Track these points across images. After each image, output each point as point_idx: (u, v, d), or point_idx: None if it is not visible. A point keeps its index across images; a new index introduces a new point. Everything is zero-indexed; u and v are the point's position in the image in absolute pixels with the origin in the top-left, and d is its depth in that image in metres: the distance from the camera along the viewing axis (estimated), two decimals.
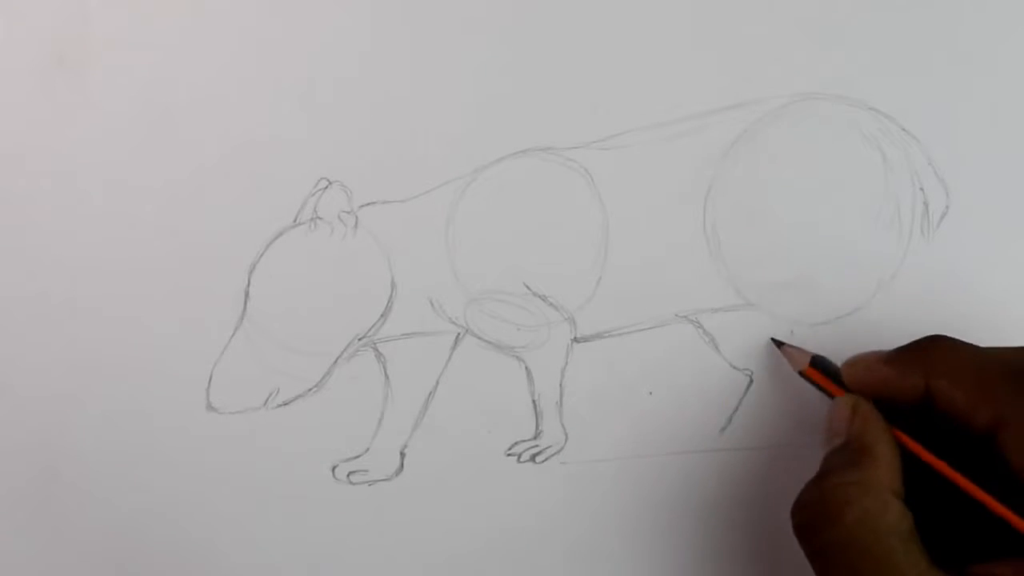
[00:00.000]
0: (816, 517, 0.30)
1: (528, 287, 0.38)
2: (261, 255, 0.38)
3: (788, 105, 0.38)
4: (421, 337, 0.38)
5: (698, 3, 0.38)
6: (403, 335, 0.38)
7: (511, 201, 0.38)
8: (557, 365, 0.38)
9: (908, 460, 0.31)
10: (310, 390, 0.38)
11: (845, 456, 0.31)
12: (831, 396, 0.34)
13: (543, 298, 0.38)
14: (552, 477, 0.38)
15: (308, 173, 0.38)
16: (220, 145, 0.38)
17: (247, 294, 0.38)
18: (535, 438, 0.38)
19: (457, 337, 0.38)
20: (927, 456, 0.31)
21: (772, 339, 0.37)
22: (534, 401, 0.38)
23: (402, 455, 0.38)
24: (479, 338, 0.38)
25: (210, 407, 0.38)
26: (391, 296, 0.38)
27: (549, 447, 0.38)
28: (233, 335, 0.38)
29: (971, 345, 0.32)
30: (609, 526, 0.38)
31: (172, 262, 0.38)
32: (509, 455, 0.38)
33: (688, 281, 0.38)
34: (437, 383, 0.38)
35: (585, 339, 0.38)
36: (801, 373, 0.36)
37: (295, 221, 0.38)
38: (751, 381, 0.38)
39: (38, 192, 0.38)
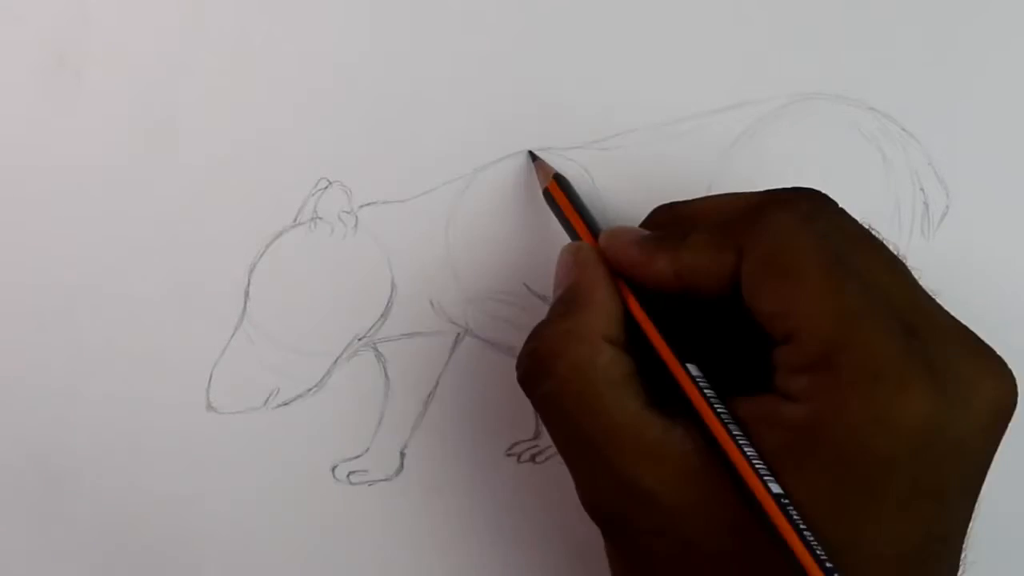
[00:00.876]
0: (532, 369, 0.30)
1: (528, 287, 0.38)
2: (261, 255, 0.38)
3: (788, 105, 0.38)
4: (421, 337, 0.38)
5: (698, 3, 0.38)
6: (403, 335, 0.38)
7: (511, 201, 0.38)
8: None
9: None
10: (310, 390, 0.38)
11: (562, 304, 0.31)
12: (571, 236, 0.34)
13: (543, 298, 0.38)
14: (552, 477, 0.38)
15: (308, 173, 0.38)
16: (220, 145, 0.38)
17: (247, 294, 0.38)
18: (535, 438, 0.38)
19: (457, 337, 0.38)
20: (634, 307, 0.30)
21: (529, 152, 0.37)
22: None
23: (402, 455, 0.38)
24: (479, 338, 0.38)
25: (210, 407, 0.38)
26: (391, 296, 0.38)
27: (549, 447, 0.38)
28: (233, 335, 0.38)
29: (699, 200, 0.32)
30: None
31: (172, 262, 0.38)
32: (509, 455, 0.38)
33: None
34: (437, 383, 0.38)
35: None
36: (545, 192, 0.35)
37: (295, 221, 0.38)
38: None
39: (38, 192, 0.38)
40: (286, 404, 0.38)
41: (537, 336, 0.31)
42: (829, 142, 0.38)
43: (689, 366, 0.29)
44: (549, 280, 0.38)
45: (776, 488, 0.26)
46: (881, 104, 0.38)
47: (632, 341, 0.30)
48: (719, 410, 0.28)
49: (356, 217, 0.38)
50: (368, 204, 0.38)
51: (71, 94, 0.38)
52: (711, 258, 0.29)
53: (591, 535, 0.38)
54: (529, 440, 0.38)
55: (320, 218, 0.38)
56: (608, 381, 0.29)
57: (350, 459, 0.38)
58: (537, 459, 0.38)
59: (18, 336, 0.38)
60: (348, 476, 0.38)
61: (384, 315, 0.38)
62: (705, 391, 0.29)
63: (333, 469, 0.38)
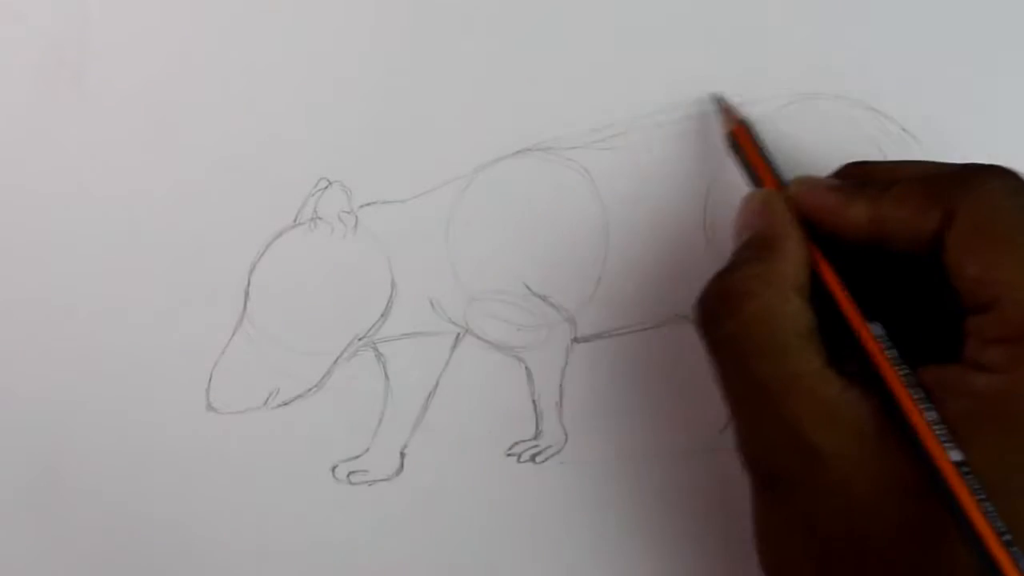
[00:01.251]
0: (716, 309, 0.30)
1: (528, 287, 0.38)
2: (261, 255, 0.38)
3: (788, 105, 0.38)
4: (421, 337, 0.38)
5: (698, 3, 0.38)
6: (403, 335, 0.38)
7: (511, 201, 0.38)
8: (557, 365, 0.38)
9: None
10: (310, 390, 0.38)
11: (751, 249, 0.31)
12: (753, 182, 0.33)
13: (543, 298, 0.38)
14: (552, 477, 0.38)
15: (308, 173, 0.38)
16: (220, 145, 0.38)
17: (247, 294, 0.38)
18: (535, 438, 0.38)
19: (457, 337, 0.38)
20: (821, 264, 0.30)
21: (712, 94, 0.36)
22: (534, 401, 0.38)
23: (402, 455, 0.38)
24: (479, 338, 0.38)
25: (210, 407, 0.38)
26: (391, 296, 0.38)
27: (549, 447, 0.38)
28: (233, 335, 0.38)
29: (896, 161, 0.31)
30: (609, 526, 0.38)
31: (172, 262, 0.38)
32: (509, 455, 0.38)
33: (688, 281, 0.38)
34: (437, 383, 0.38)
35: (585, 339, 0.38)
36: (730, 136, 0.35)
37: (295, 221, 0.38)
38: None
39: (38, 192, 0.38)
40: (286, 404, 0.38)
41: (724, 277, 0.30)
42: (829, 142, 0.38)
43: (872, 325, 0.29)
44: (549, 280, 0.38)
45: (957, 455, 0.26)
46: (881, 104, 0.38)
47: (814, 297, 0.30)
48: (901, 372, 0.28)
49: (356, 217, 0.38)
50: (368, 204, 0.38)
51: (71, 94, 0.38)
52: (915, 211, 0.29)
53: (590, 535, 0.38)
54: (529, 440, 0.38)
55: (320, 218, 0.38)
56: (794, 331, 0.29)
57: (350, 459, 0.38)
58: (537, 459, 0.38)
59: (18, 337, 0.38)
60: (348, 476, 0.38)
61: (384, 315, 0.38)
62: (887, 351, 0.28)
63: (333, 469, 0.38)
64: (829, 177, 0.33)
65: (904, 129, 0.38)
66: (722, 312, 0.30)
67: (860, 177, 0.32)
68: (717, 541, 0.38)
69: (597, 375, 0.38)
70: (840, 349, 0.29)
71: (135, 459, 0.38)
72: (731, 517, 0.38)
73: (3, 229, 0.38)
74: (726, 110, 0.36)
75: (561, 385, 0.38)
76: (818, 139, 0.38)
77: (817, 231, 0.31)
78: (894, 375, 0.28)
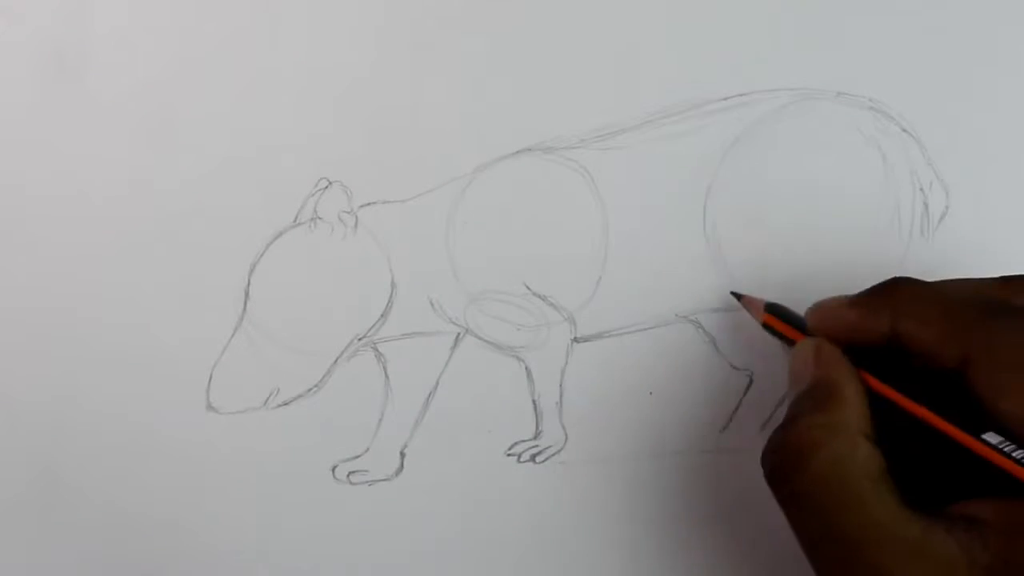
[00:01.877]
0: (785, 463, 0.30)
1: (528, 287, 0.38)
2: (261, 255, 0.38)
3: (788, 105, 0.38)
4: (421, 337, 0.38)
5: (698, 3, 0.38)
6: (403, 335, 0.38)
7: (511, 201, 0.38)
8: (557, 365, 0.38)
9: (877, 404, 0.30)
10: (310, 390, 0.38)
11: (811, 399, 0.30)
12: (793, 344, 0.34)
13: (543, 298, 0.38)
14: (552, 477, 0.38)
15: (308, 173, 0.38)
16: (220, 145, 0.38)
17: (247, 294, 0.38)
18: (535, 438, 0.38)
19: (457, 337, 0.38)
20: (896, 395, 0.30)
21: (732, 292, 0.37)
22: (534, 401, 0.38)
23: (402, 455, 0.38)
24: (479, 338, 0.38)
25: (210, 407, 0.38)
26: (391, 296, 0.38)
27: (549, 447, 0.38)
28: (233, 335, 0.38)
29: (935, 283, 0.31)
30: (609, 526, 0.38)
31: (172, 262, 0.38)
32: (509, 455, 0.38)
33: (688, 281, 0.38)
34: (437, 383, 0.38)
35: (585, 339, 0.38)
36: (764, 324, 0.35)
37: (295, 221, 0.38)
38: (751, 381, 0.38)
39: (37, 193, 0.38)
40: (286, 404, 0.38)
41: (786, 430, 0.30)
42: (829, 142, 0.38)
43: (987, 436, 0.28)
44: (549, 280, 0.38)
45: None
46: (881, 104, 0.38)
47: (881, 437, 0.30)
48: None
49: (356, 217, 0.38)
50: (368, 204, 0.38)
51: (71, 94, 0.38)
52: (936, 341, 0.29)
53: (590, 535, 0.38)
54: (529, 440, 0.38)
55: (320, 218, 0.38)
56: (868, 476, 0.28)
57: (350, 459, 0.38)
58: (537, 459, 0.38)
59: (19, 337, 0.38)
60: (348, 476, 0.38)
61: (384, 315, 0.38)
62: (1015, 456, 0.28)
63: (333, 469, 0.38)
64: (843, 296, 0.33)
65: (904, 129, 0.38)
66: (789, 467, 0.29)
67: (887, 293, 0.32)
68: (717, 541, 0.38)
69: (597, 375, 0.38)
70: (915, 490, 0.29)
71: (135, 459, 0.38)
72: (731, 517, 0.38)
73: (3, 229, 0.38)
74: (749, 303, 0.36)
75: (561, 385, 0.38)
76: (818, 139, 0.38)
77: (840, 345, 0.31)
78: None
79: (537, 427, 0.38)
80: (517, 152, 0.38)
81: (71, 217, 0.38)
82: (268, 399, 0.38)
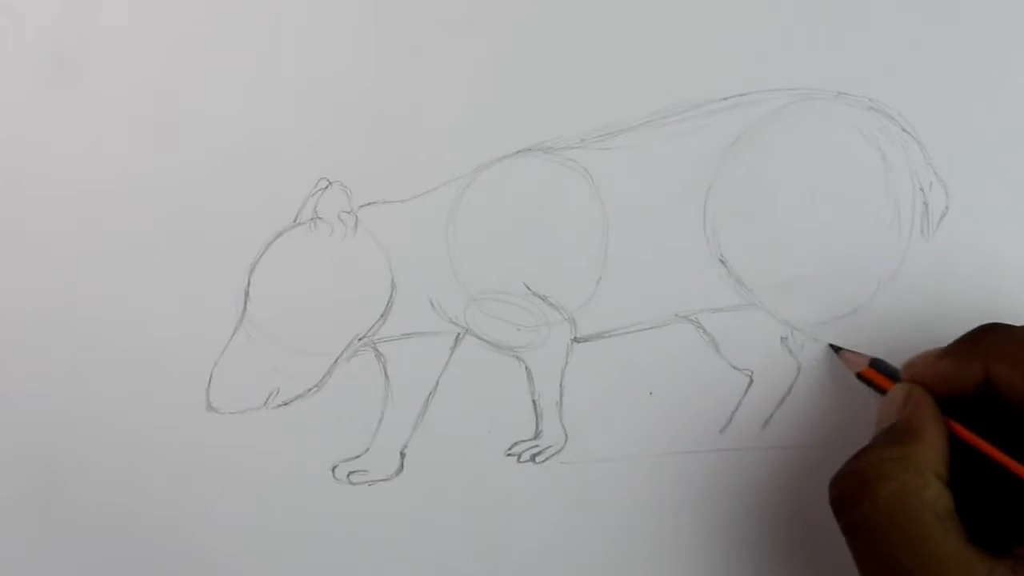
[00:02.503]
0: (853, 490, 0.30)
1: (528, 287, 0.38)
2: (261, 255, 0.38)
3: (788, 105, 0.38)
4: (421, 337, 0.38)
5: (698, 3, 0.38)
6: (403, 335, 0.38)
7: (511, 201, 0.38)
8: (557, 365, 0.38)
9: (962, 451, 0.31)
10: (310, 390, 0.38)
11: (890, 435, 0.31)
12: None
13: (543, 298, 0.38)
14: (552, 477, 0.38)
15: (308, 173, 0.38)
16: (220, 145, 0.38)
17: (247, 294, 0.38)
18: (535, 438, 0.38)
19: (457, 337, 0.38)
20: (978, 440, 0.31)
21: (830, 344, 0.37)
22: (534, 401, 0.38)
23: (402, 455, 0.38)
24: (479, 338, 0.38)
25: (210, 407, 0.38)
26: (391, 296, 0.38)
27: (549, 447, 0.38)
28: (233, 335, 0.38)
29: None
30: (609, 526, 0.38)
31: (172, 262, 0.38)
32: (509, 455, 0.38)
33: (688, 281, 0.38)
34: (437, 383, 0.38)
35: (585, 339, 0.38)
36: (859, 375, 0.36)
37: (295, 221, 0.38)
38: (751, 381, 0.38)
39: (37, 192, 0.38)
40: (286, 404, 0.38)
41: (859, 459, 0.30)
42: (829, 142, 0.38)
43: None
44: (549, 280, 0.38)
45: None
46: (881, 104, 0.38)
47: (954, 482, 0.30)
48: None
49: (356, 217, 0.38)
50: (368, 204, 0.38)
51: (71, 94, 0.38)
52: None
53: (590, 535, 0.38)
54: (529, 440, 0.38)
55: (320, 218, 0.38)
56: (934, 513, 0.29)
57: (350, 459, 0.38)
58: (537, 459, 0.38)
59: (19, 337, 0.38)
60: (348, 476, 0.38)
61: (384, 315, 0.38)
62: None
63: (333, 469, 0.38)
64: (936, 348, 0.33)
65: (904, 129, 0.38)
66: (857, 494, 0.30)
67: (978, 339, 0.32)
68: (717, 540, 0.38)
69: (597, 375, 0.38)
70: (990, 537, 0.29)
71: (135, 458, 0.38)
72: (731, 516, 0.38)
73: (3, 228, 0.38)
74: (848, 358, 0.37)
75: (561, 385, 0.38)
76: (818, 139, 0.38)
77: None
78: None
79: (537, 427, 0.38)
80: (517, 152, 0.38)
81: (71, 217, 0.38)
82: (268, 399, 0.38)
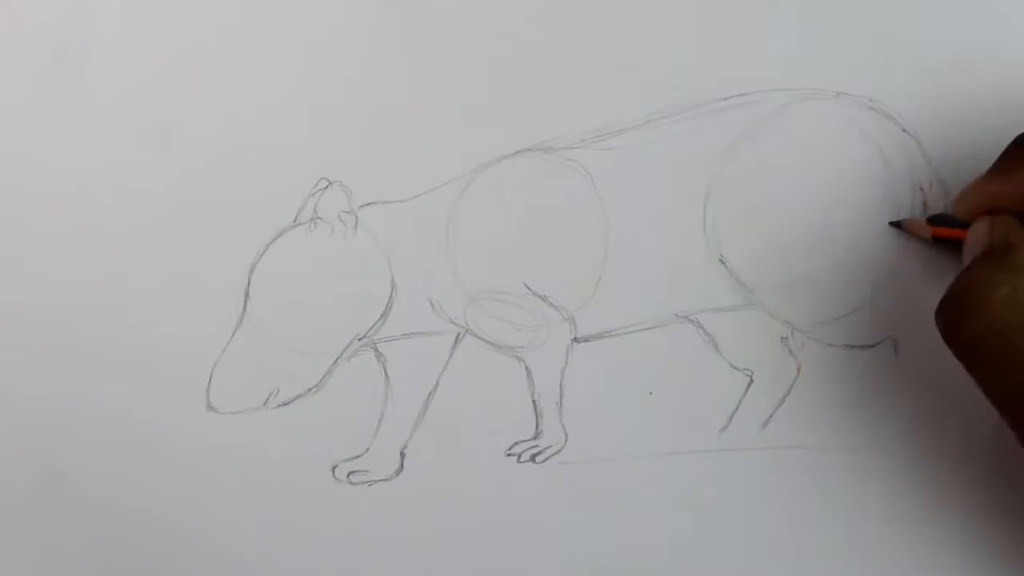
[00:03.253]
0: (965, 306, 0.29)
1: (528, 287, 0.38)
2: (261, 255, 0.38)
3: (788, 105, 0.38)
4: (421, 337, 0.38)
5: (698, 3, 0.38)
6: (403, 335, 0.38)
7: (511, 201, 0.38)
8: (557, 365, 0.38)
9: None
10: (310, 390, 0.38)
11: (989, 254, 0.29)
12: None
13: (543, 298, 0.38)
14: (552, 477, 0.38)
15: (308, 173, 0.38)
16: (220, 145, 0.38)
17: (247, 294, 0.38)
18: (535, 438, 0.38)
19: (457, 337, 0.38)
20: None
21: (890, 222, 0.37)
22: (534, 401, 0.38)
23: (402, 455, 0.38)
24: (479, 338, 0.38)
25: (210, 407, 0.38)
26: (391, 296, 0.38)
27: (549, 447, 0.38)
28: (233, 335, 0.38)
29: None
30: (609, 526, 0.38)
31: (172, 262, 0.38)
32: (509, 455, 0.38)
33: (688, 281, 0.38)
34: (437, 383, 0.38)
35: (585, 339, 0.38)
36: (935, 238, 0.35)
37: (295, 221, 0.38)
38: (751, 381, 0.38)
39: (38, 192, 0.38)
40: (286, 404, 0.38)
41: (964, 279, 0.29)
42: (829, 142, 0.38)
43: None
44: (549, 280, 0.38)
45: None
46: (881, 104, 0.38)
47: None
48: None
49: (356, 217, 0.38)
50: (368, 204, 0.38)
51: (71, 94, 0.38)
52: None
53: (590, 535, 0.38)
54: (529, 440, 0.38)
55: (320, 218, 0.38)
56: None
57: (350, 459, 0.38)
58: (537, 459, 0.38)
59: (18, 337, 0.38)
60: (348, 476, 0.38)
61: (384, 315, 0.38)
62: None
63: (333, 469, 0.38)
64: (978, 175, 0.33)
65: (904, 129, 0.38)
66: (968, 309, 0.28)
67: (1016, 153, 0.32)
68: (717, 541, 0.38)
69: (597, 375, 0.38)
70: None
71: (135, 458, 0.38)
72: (731, 516, 0.38)
73: (3, 228, 0.38)
74: (915, 225, 0.36)
75: (561, 385, 0.38)
76: (818, 139, 0.38)
77: None
78: None
79: (537, 427, 0.38)
80: (517, 152, 0.38)
81: (71, 217, 0.38)
82: (268, 399, 0.38)
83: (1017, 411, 0.28)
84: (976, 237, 0.32)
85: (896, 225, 0.37)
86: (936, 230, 0.35)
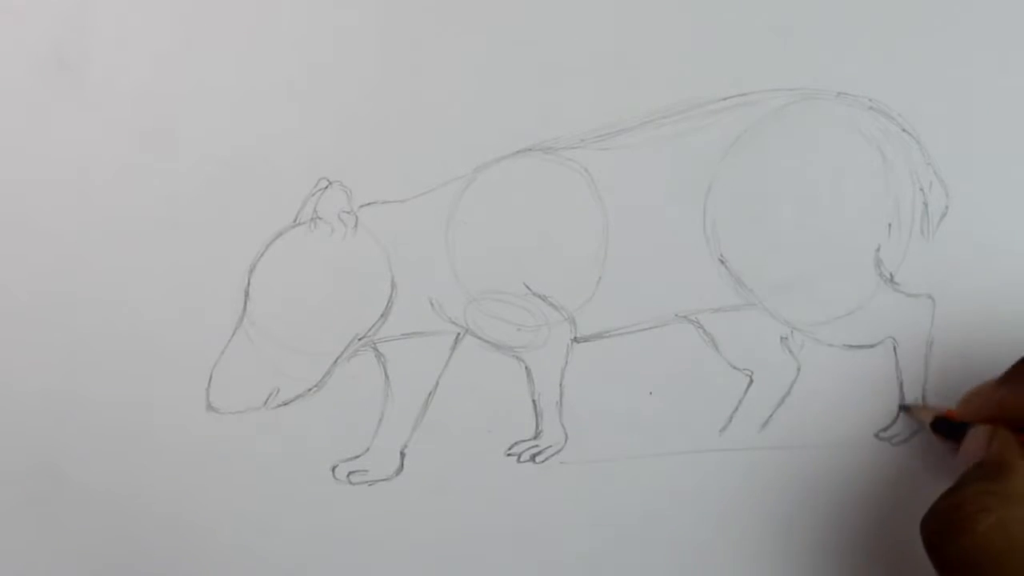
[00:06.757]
0: (950, 525, 0.29)
1: (528, 287, 0.38)
2: (261, 255, 0.38)
3: (788, 105, 0.38)
4: (421, 337, 0.38)
5: (698, 3, 0.38)
6: (403, 335, 0.38)
7: (511, 201, 0.38)
8: (557, 365, 0.38)
9: None
10: (310, 390, 0.38)
11: (982, 471, 0.31)
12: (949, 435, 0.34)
13: (543, 298, 0.38)
14: (552, 477, 0.38)
15: (308, 173, 0.38)
16: (220, 145, 0.38)
17: (247, 294, 0.38)
18: (535, 438, 0.38)
19: (457, 337, 0.38)
20: None
21: (900, 405, 0.38)
22: (534, 401, 0.38)
23: (402, 455, 0.38)
24: (479, 338, 0.38)
25: (210, 407, 0.38)
26: (391, 296, 0.38)
27: (549, 447, 0.38)
28: (233, 335, 0.38)
29: None
30: (609, 526, 0.38)
31: (172, 262, 0.38)
32: (509, 455, 0.38)
33: (688, 281, 0.38)
34: (437, 383, 0.38)
35: (585, 339, 0.38)
36: (936, 423, 0.36)
37: (295, 221, 0.38)
38: (751, 381, 0.38)
39: (38, 192, 0.38)
40: (286, 404, 0.38)
41: (955, 494, 0.30)
42: (829, 142, 0.38)
43: None
44: (549, 280, 0.38)
45: None
46: (881, 104, 0.38)
47: None
48: None
49: (356, 217, 0.38)
50: (368, 204, 0.38)
51: (71, 94, 0.38)
52: None
53: (590, 535, 0.38)
54: (529, 440, 0.38)
55: (320, 218, 0.38)
56: None
57: (350, 459, 0.38)
58: (537, 459, 0.38)
59: (18, 336, 0.38)
60: (348, 476, 0.38)
61: (384, 315, 0.38)
62: None
63: (333, 469, 0.38)
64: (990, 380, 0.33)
65: (904, 129, 0.38)
66: (956, 528, 0.29)
67: None
68: (717, 540, 0.38)
69: (597, 375, 0.38)
70: None
71: (135, 458, 0.38)
72: (730, 516, 0.38)
73: (3, 229, 0.38)
74: (915, 412, 0.37)
75: (561, 385, 0.38)
76: (818, 139, 0.38)
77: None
78: None
79: (537, 427, 0.38)
80: (517, 152, 0.38)
81: (71, 217, 0.38)
82: (268, 399, 0.38)
83: None
84: (973, 445, 0.32)
85: (904, 408, 0.37)
86: (937, 437, 0.35)
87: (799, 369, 0.38)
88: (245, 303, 0.38)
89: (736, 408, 0.38)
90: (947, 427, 0.35)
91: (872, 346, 0.38)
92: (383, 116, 0.38)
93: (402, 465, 0.38)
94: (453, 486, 0.38)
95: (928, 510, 0.30)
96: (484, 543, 0.38)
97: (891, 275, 0.38)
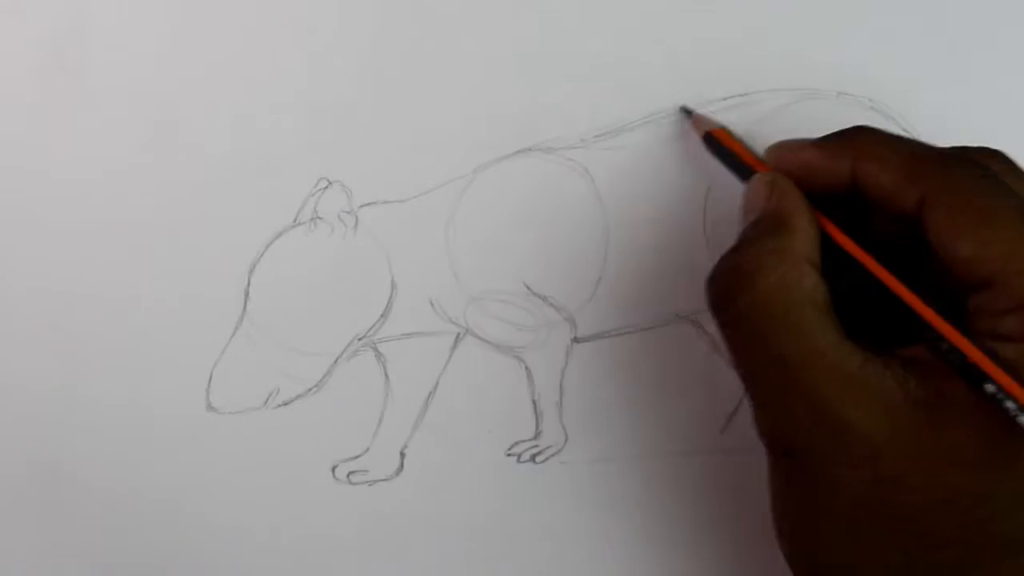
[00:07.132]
0: (730, 285, 0.30)
1: (528, 287, 0.38)
2: (261, 255, 0.38)
3: (788, 105, 0.38)
4: (421, 337, 0.38)
5: (698, 3, 0.38)
6: (403, 335, 0.38)
7: (511, 201, 0.38)
8: (557, 365, 0.38)
9: (829, 250, 0.30)
10: (310, 390, 0.38)
11: (761, 227, 0.30)
12: (740, 175, 0.33)
13: (543, 298, 0.38)
14: (552, 477, 0.38)
15: (308, 173, 0.38)
16: (220, 145, 0.38)
17: (247, 294, 0.38)
18: (535, 438, 0.38)
19: (457, 337, 0.38)
20: (848, 242, 0.30)
21: (681, 107, 0.37)
22: (534, 401, 0.38)
23: (402, 455, 0.38)
24: (479, 338, 0.38)
25: (210, 407, 0.38)
26: (391, 296, 0.38)
27: (549, 447, 0.38)
28: (233, 335, 0.38)
29: (897, 135, 0.31)
30: (609, 526, 0.38)
31: (172, 262, 0.38)
32: (509, 455, 0.38)
33: (688, 281, 0.38)
34: (437, 383, 0.38)
35: (585, 339, 0.38)
36: (708, 135, 0.35)
37: (295, 221, 0.38)
38: None
39: (38, 192, 0.38)
40: (286, 404, 0.38)
41: (736, 253, 0.30)
42: None
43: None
44: (549, 280, 0.38)
45: None
46: (881, 104, 0.38)
47: (825, 273, 0.30)
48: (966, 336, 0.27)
49: (356, 217, 0.38)
50: (368, 204, 0.38)
51: (71, 94, 0.38)
52: (896, 183, 0.29)
53: (590, 535, 0.38)
54: (529, 440, 0.38)
55: (320, 218, 0.38)
56: (813, 304, 0.28)
57: (350, 459, 0.38)
58: (537, 459, 0.38)
59: (18, 336, 0.38)
60: (348, 476, 0.38)
61: (384, 315, 0.38)
62: (939, 314, 0.28)
63: (333, 469, 0.38)
64: (804, 138, 0.33)
65: (904, 129, 0.38)
66: (736, 288, 0.29)
67: (849, 136, 0.32)
68: (717, 541, 0.38)
69: (597, 375, 0.38)
70: (852, 323, 0.29)
71: (135, 459, 0.38)
72: (730, 517, 0.38)
73: (3, 228, 0.38)
74: (697, 120, 0.36)
75: (561, 385, 0.38)
76: None
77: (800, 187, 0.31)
78: (955, 331, 0.27)
79: (537, 427, 0.38)
80: (517, 152, 0.38)
81: (71, 217, 0.38)
82: (268, 399, 0.38)
83: (759, 386, 0.29)
84: (754, 195, 0.32)
85: (687, 112, 0.37)
86: (717, 133, 0.34)
87: None
88: (245, 303, 0.38)
89: (736, 408, 0.38)
90: (718, 147, 0.34)
91: None
92: (383, 116, 0.38)
93: (402, 465, 0.38)
94: (453, 486, 0.38)
95: (711, 271, 0.30)
96: (484, 543, 0.38)
97: None
